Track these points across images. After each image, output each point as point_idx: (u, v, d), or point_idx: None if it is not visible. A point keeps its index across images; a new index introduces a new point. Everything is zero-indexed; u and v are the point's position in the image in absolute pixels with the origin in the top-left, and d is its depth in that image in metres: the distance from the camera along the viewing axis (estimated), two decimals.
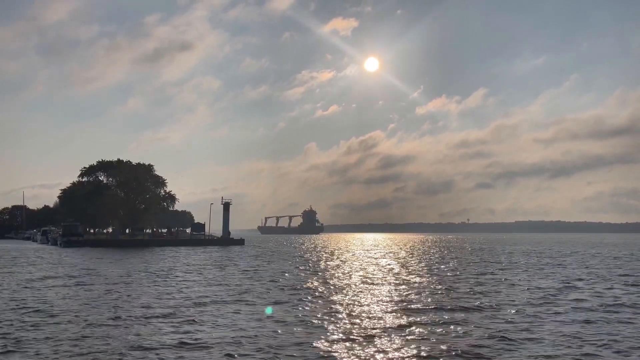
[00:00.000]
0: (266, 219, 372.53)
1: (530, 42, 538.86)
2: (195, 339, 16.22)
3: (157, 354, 14.59)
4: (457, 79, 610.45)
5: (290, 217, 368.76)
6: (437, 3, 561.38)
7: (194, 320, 19.39)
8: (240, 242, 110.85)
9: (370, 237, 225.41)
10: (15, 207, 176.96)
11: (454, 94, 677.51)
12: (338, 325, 18.46)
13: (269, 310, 17.87)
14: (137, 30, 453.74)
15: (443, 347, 15.49)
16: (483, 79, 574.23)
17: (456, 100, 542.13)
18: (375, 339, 16.41)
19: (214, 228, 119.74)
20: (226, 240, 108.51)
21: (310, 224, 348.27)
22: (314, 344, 15.74)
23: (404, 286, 30.91)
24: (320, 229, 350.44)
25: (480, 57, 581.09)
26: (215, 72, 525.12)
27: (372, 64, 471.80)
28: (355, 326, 18.36)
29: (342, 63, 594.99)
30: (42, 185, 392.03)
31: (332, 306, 22.68)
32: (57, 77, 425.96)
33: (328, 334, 17.17)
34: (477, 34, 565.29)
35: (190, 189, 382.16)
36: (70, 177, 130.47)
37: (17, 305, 23.11)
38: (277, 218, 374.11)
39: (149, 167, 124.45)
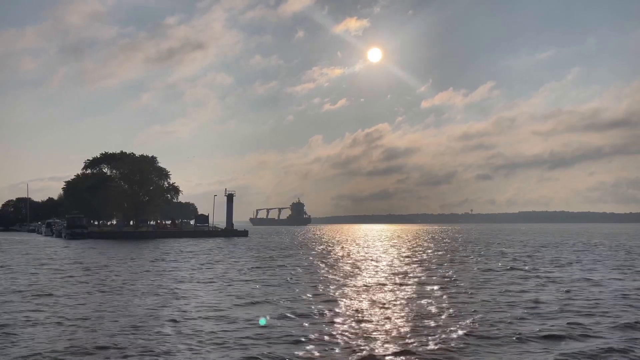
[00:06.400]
0: (257, 211, 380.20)
1: (537, 36, 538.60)
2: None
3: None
4: (465, 72, 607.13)
5: (280, 209, 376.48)
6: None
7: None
8: (244, 233, 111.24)
9: (360, 228, 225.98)
10: (19, 200, 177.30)
11: (461, 87, 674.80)
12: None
13: (262, 321, 17.87)
14: (155, 31, 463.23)
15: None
16: (491, 72, 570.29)
17: (463, 93, 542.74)
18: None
19: (218, 220, 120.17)
20: (230, 231, 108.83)
21: (299, 215, 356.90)
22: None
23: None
24: (307, 221, 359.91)
25: (489, 50, 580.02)
26: (227, 69, 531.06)
27: (381, 60, 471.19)
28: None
29: (353, 60, 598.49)
30: (52, 177, 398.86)
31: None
32: (72, 74, 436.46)
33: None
34: (486, 27, 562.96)
35: (196, 181, 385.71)
36: (78, 169, 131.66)
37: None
38: (267, 210, 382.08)
39: (153, 159, 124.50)
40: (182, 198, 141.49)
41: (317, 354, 14.05)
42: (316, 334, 16.10)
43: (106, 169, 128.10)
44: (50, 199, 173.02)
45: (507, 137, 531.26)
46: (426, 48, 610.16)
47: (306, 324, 17.53)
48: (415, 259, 45.80)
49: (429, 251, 57.80)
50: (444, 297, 23.37)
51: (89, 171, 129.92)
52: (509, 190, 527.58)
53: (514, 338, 15.64)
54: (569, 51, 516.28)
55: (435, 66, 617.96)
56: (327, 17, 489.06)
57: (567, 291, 25.04)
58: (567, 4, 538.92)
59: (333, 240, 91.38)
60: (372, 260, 45.21)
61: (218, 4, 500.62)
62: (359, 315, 19.11)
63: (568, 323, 17.75)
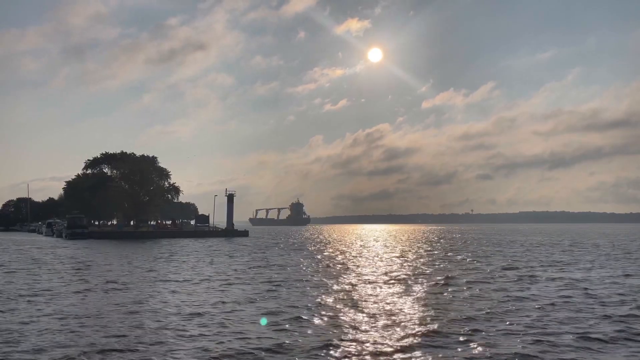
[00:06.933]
0: (257, 211, 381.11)
1: (537, 36, 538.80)
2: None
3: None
4: (466, 72, 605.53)
5: (279, 209, 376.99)
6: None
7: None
8: (244, 233, 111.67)
9: (360, 228, 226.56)
10: (20, 200, 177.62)
11: (461, 87, 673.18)
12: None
13: (263, 321, 18.26)
14: (156, 32, 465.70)
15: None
16: (491, 72, 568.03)
17: (463, 93, 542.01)
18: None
19: (218, 220, 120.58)
20: (230, 231, 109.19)
21: (298, 215, 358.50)
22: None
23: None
24: (307, 221, 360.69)
25: (489, 50, 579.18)
26: (228, 69, 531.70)
27: (382, 60, 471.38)
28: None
29: (353, 60, 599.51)
30: (52, 177, 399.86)
31: None
32: (74, 75, 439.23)
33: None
34: (486, 27, 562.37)
35: (197, 181, 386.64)
36: (79, 169, 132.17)
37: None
38: (267, 210, 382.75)
39: (153, 159, 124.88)
40: (182, 198, 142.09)
41: (317, 352, 14.50)
42: (316, 333, 16.58)
43: (107, 169, 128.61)
44: (50, 199, 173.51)
45: (507, 137, 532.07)
46: (427, 48, 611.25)
47: (306, 323, 17.98)
48: (410, 259, 46.23)
49: (422, 251, 58.26)
50: (433, 295, 23.82)
51: (89, 171, 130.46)
52: (510, 190, 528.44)
53: (491, 334, 16.06)
54: (569, 51, 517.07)
55: (435, 66, 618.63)
56: (329, 17, 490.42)
57: (556, 289, 25.49)
58: (567, 4, 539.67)
59: (331, 241, 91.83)
60: (368, 260, 45.63)
61: (220, 5, 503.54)
62: (353, 313, 19.60)
63: (554, 320, 18.20)
